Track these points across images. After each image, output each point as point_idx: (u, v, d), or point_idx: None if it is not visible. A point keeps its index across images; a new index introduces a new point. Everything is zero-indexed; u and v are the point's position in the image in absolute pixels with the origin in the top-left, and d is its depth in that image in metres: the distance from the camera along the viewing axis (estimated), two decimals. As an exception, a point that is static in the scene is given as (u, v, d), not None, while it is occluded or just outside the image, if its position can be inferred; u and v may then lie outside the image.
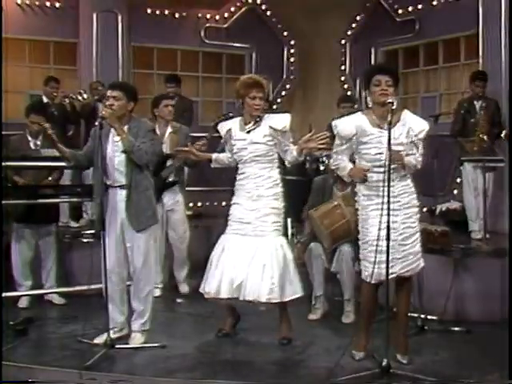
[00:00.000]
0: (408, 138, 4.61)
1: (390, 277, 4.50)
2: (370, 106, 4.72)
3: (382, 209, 4.39)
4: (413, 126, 4.65)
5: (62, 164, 5.61)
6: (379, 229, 4.39)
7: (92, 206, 5.82)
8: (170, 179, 6.53)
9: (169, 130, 6.53)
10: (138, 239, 4.99)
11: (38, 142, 6.31)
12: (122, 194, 4.95)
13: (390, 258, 4.44)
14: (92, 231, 6.47)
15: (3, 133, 6.36)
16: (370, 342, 4.79)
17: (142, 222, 4.96)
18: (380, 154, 4.55)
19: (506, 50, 7.27)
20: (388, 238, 4.38)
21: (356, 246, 4.96)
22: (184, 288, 6.79)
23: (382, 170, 4.52)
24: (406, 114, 4.70)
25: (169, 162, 6.47)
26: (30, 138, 6.32)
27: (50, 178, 6.27)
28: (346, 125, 4.70)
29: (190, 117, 8.51)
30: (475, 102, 7.19)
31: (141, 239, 4.99)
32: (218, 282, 4.95)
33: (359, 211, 4.74)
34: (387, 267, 4.42)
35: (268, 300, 4.88)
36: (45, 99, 7.99)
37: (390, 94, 4.56)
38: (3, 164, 5.52)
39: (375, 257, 4.46)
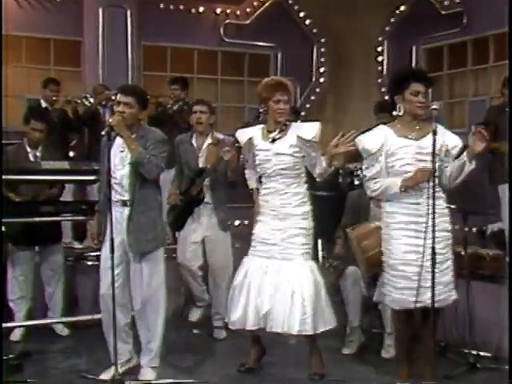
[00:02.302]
0: (440, 152, 4.65)
1: (417, 306, 4.61)
2: (399, 113, 4.74)
3: (406, 229, 4.54)
4: (446, 139, 4.70)
5: (64, 178, 5.67)
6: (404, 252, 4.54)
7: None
8: (201, 196, 6.31)
9: (208, 140, 6.33)
10: (141, 264, 5.01)
11: (38, 153, 6.35)
12: (122, 212, 4.98)
13: (416, 285, 4.56)
14: (98, 253, 6.45)
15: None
16: (415, 370, 4.81)
17: (142, 246, 4.98)
18: (408, 165, 4.66)
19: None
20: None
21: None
22: (220, 334, 6.40)
23: None
24: (438, 127, 4.70)
25: (202, 177, 6.27)
26: (28, 149, 6.34)
27: (51, 191, 6.30)
28: (371, 139, 4.82)
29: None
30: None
31: (143, 263, 5.01)
32: (243, 311, 4.98)
33: (382, 230, 4.85)
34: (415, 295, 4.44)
35: (299, 332, 4.89)
36: (43, 104, 8.04)
37: (427, 105, 4.66)
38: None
39: (397, 282, 4.61)
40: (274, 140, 5.06)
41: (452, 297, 4.76)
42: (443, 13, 9.56)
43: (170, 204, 6.37)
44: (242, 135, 5.24)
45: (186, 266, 6.33)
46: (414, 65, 9.74)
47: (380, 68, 10.34)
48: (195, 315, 6.63)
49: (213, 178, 6.20)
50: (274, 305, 4.90)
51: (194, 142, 6.34)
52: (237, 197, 6.66)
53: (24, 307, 6.29)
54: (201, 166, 6.27)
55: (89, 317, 5.83)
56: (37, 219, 5.88)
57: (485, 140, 4.50)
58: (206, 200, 6.26)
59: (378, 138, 4.79)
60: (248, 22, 10.36)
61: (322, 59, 10.66)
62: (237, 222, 9.26)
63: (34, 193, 6.18)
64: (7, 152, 6.25)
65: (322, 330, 4.98)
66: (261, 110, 5.17)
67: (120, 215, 4.96)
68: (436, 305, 4.60)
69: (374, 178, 4.82)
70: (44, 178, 5.93)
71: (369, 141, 4.82)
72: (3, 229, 5.91)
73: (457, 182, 4.70)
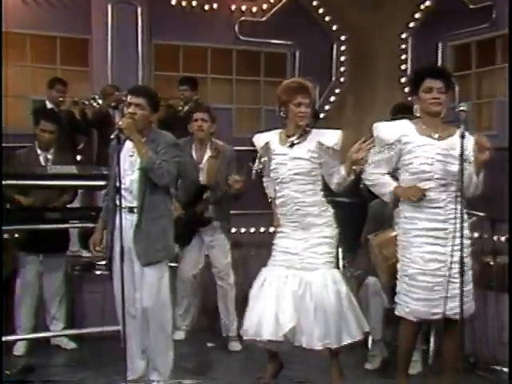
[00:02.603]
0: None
1: (435, 318, 4.66)
2: (415, 114, 4.77)
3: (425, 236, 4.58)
4: (470, 144, 4.60)
5: (73, 183, 5.70)
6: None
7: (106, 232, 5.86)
8: (206, 215, 6.44)
9: (207, 152, 6.45)
10: (147, 274, 5.04)
11: (50, 156, 6.39)
12: (130, 219, 5.00)
13: (436, 296, 4.61)
14: (106, 261, 6.48)
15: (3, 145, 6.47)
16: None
17: (150, 256, 5.01)
18: (427, 164, 4.66)
19: None
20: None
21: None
22: (235, 346, 6.48)
23: (429, 185, 4.64)
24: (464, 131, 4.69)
25: (205, 195, 6.38)
26: (39, 151, 6.38)
27: (61, 200, 6.34)
28: (389, 128, 4.82)
29: None
30: None
31: (150, 275, 5.04)
32: (258, 320, 4.97)
33: (399, 236, 4.86)
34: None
35: (323, 346, 4.90)
36: (49, 105, 8.10)
37: (442, 102, 4.68)
38: (4, 183, 5.55)
39: (416, 292, 4.65)
40: (292, 145, 5.06)
41: (471, 309, 4.75)
42: (471, 7, 9.38)
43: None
44: (259, 140, 5.24)
45: (184, 278, 6.57)
46: (439, 63, 9.67)
47: (404, 67, 10.28)
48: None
49: (216, 194, 6.31)
50: (295, 317, 4.89)
51: (193, 153, 6.39)
52: (252, 203, 6.67)
53: (30, 319, 6.32)
54: (202, 182, 6.37)
55: (98, 329, 5.85)
56: (43, 226, 5.92)
57: (486, 148, 4.48)
58: (209, 215, 6.40)
59: (396, 130, 4.79)
60: (264, 18, 10.32)
61: (342, 58, 10.61)
62: (252, 230, 9.29)
63: (45, 199, 6.22)
64: (19, 155, 6.34)
65: (346, 343, 4.98)
66: (281, 114, 5.14)
67: (129, 223, 4.98)
68: (454, 316, 4.61)
69: (375, 167, 4.83)
70: (51, 183, 5.94)
71: (386, 130, 4.82)
72: (6, 236, 5.97)
73: (471, 192, 4.66)
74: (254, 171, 5.17)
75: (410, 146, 4.72)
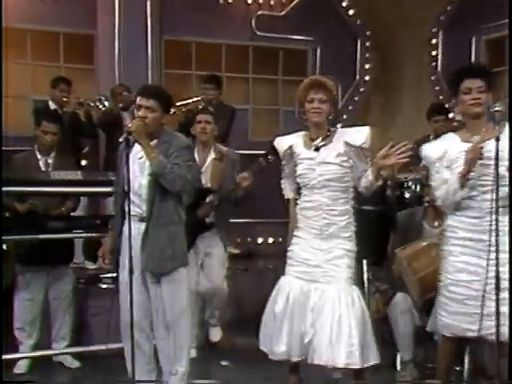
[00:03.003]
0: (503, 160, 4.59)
1: (468, 335, 4.68)
2: (459, 118, 4.81)
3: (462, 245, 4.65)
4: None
5: (77, 190, 5.71)
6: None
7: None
8: (208, 220, 6.50)
9: (211, 155, 6.53)
10: (159, 285, 5.07)
11: (50, 161, 6.38)
12: (139, 228, 5.02)
13: (471, 311, 4.63)
14: (113, 274, 6.51)
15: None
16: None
17: (160, 265, 5.03)
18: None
19: None
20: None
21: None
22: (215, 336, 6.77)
23: (471, 193, 4.69)
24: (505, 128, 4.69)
25: (208, 198, 6.44)
26: (39, 156, 6.37)
27: (63, 209, 6.35)
28: (433, 146, 4.95)
29: (225, 127, 8.28)
30: None
31: (162, 285, 5.07)
32: (288, 341, 5.00)
33: (442, 246, 4.94)
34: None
35: (346, 365, 4.87)
36: (52, 106, 8.11)
37: (483, 102, 4.69)
38: (3, 189, 5.56)
39: (449, 305, 4.69)
40: (318, 148, 5.06)
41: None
42: (507, -3, 9.36)
43: None
44: (282, 143, 5.25)
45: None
46: (473, 59, 9.64)
47: (434, 63, 10.26)
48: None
49: (218, 199, 6.37)
50: (316, 334, 4.89)
51: (196, 155, 6.39)
52: (269, 210, 6.66)
53: (31, 337, 6.35)
54: (205, 184, 6.41)
55: (102, 347, 5.86)
56: (44, 236, 5.93)
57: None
58: (210, 220, 6.44)
59: (440, 146, 4.89)
60: (283, 13, 10.34)
61: (368, 54, 10.64)
62: (270, 240, 9.29)
63: (45, 206, 6.19)
64: (16, 160, 6.32)
65: (371, 363, 4.96)
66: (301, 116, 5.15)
67: (137, 231, 5.00)
68: (490, 337, 4.59)
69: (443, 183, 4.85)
70: (53, 189, 5.94)
71: (431, 148, 4.95)
72: (4, 247, 6.00)
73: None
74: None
75: (453, 156, 4.77)
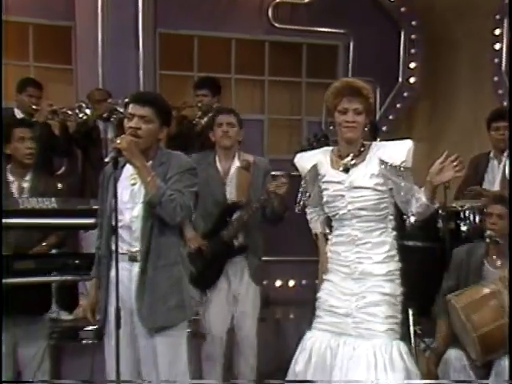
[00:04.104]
0: None
1: None
2: None
3: None
4: None
5: (51, 221, 5.71)
6: None
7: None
8: (237, 243, 6.46)
9: (235, 163, 6.55)
10: (155, 342, 5.02)
11: (25, 184, 6.36)
12: (130, 270, 5.01)
13: None
14: (94, 326, 6.38)
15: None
16: None
17: (164, 317, 4.99)
18: None
19: None
20: None
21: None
22: None
23: None
24: None
25: (235, 215, 6.42)
26: (11, 178, 6.35)
27: (44, 244, 6.33)
28: None
29: None
30: None
31: (161, 344, 5.02)
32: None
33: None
34: None
35: None
36: (18, 115, 8.05)
37: None
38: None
39: None
40: (347, 168, 5.04)
41: None
42: None
43: (190, 251, 6.40)
44: (303, 161, 5.22)
45: (214, 335, 6.47)
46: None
47: (497, 60, 10.19)
48: None
49: (248, 214, 6.31)
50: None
51: (218, 164, 6.44)
52: (289, 246, 6.64)
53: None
54: (230, 198, 6.40)
55: (82, 413, 5.88)
56: (7, 280, 5.77)
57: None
58: (240, 242, 6.41)
59: None
60: (307, 0, 10.36)
61: (413, 50, 10.64)
62: (291, 283, 9.27)
63: (18, 242, 6.14)
64: None
65: None
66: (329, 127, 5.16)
67: (127, 275, 4.97)
68: None
69: None
70: (21, 221, 5.85)
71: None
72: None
73: None
74: (298, 205, 5.18)
75: None
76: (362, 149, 5.02)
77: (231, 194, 6.44)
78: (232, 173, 6.49)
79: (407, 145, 4.99)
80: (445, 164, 4.80)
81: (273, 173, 6.51)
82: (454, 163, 4.79)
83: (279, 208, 6.28)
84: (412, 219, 5.10)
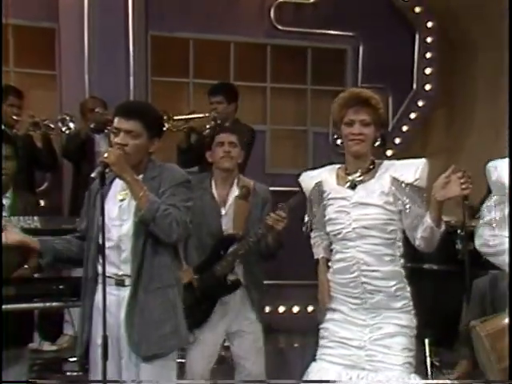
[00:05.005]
0: None
1: None
2: None
3: None
4: None
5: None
6: None
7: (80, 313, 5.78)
8: (231, 278, 6.38)
9: (233, 191, 6.43)
10: (147, 371, 4.98)
11: (5, 201, 6.26)
12: (117, 294, 4.98)
13: None
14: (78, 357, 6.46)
15: None
16: None
17: (157, 344, 4.95)
18: None
19: None
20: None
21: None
22: None
23: None
24: None
25: (231, 248, 6.30)
26: None
27: (26, 267, 6.30)
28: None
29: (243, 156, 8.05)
30: None
31: (152, 372, 4.98)
32: None
33: None
34: None
35: None
36: (-4, 127, 8.03)
37: None
38: None
39: None
40: (354, 185, 5.01)
41: None
42: None
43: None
44: (308, 180, 5.19)
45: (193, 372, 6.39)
46: None
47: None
48: None
49: (244, 248, 6.24)
50: None
51: (214, 190, 6.38)
52: (293, 270, 6.61)
53: None
54: (226, 231, 6.31)
55: None
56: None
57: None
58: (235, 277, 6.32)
59: None
60: (313, 0, 10.37)
61: (429, 54, 10.62)
62: (296, 309, 9.27)
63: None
64: None
65: None
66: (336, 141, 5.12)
67: (115, 300, 4.93)
68: None
69: (491, 226, 4.75)
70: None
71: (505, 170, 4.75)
72: None
73: None
74: (305, 227, 5.16)
75: None
76: (372, 166, 4.95)
77: (227, 225, 6.32)
78: (229, 203, 6.37)
79: (421, 162, 4.92)
80: (451, 179, 4.70)
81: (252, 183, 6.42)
82: (462, 180, 4.67)
83: (274, 244, 6.17)
84: (418, 247, 5.00)
